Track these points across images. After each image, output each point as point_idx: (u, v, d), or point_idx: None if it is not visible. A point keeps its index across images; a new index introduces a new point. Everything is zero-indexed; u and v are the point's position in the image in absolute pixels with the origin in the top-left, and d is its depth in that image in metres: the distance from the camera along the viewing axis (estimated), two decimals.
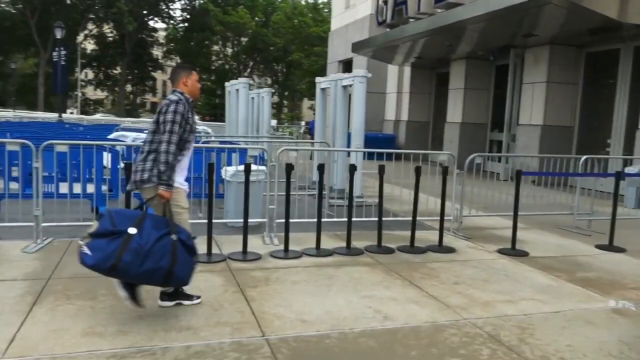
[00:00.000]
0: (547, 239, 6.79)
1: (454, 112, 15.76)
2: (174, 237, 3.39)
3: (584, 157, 7.44)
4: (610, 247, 6.33)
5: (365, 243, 5.91)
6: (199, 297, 3.88)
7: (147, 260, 3.25)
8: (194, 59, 48.48)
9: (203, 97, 53.35)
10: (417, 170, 6.07)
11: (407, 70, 18.67)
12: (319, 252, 5.48)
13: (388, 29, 15.64)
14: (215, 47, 54.60)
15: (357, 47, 16.96)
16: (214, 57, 54.49)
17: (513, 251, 5.92)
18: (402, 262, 5.35)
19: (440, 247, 5.93)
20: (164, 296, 3.75)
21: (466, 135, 15.17)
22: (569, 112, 12.58)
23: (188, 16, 52.67)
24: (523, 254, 5.85)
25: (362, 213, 6.89)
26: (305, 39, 45.64)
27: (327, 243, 5.82)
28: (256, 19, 51.53)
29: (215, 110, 51.04)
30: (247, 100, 12.92)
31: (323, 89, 10.04)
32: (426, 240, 6.17)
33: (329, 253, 5.50)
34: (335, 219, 6.86)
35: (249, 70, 54.27)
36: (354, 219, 5.88)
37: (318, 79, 10.25)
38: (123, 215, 3.43)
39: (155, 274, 3.31)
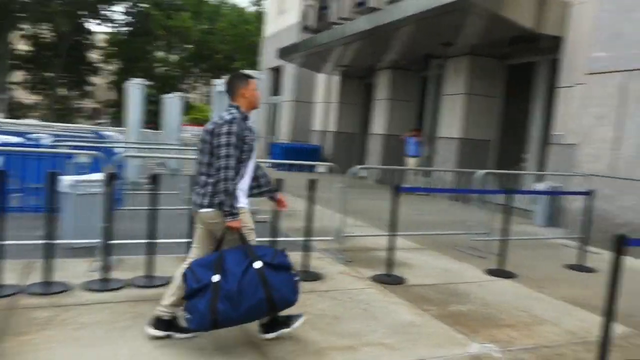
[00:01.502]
0: (437, 262, 6.10)
1: (379, 123, 15.19)
2: (257, 264, 3.17)
3: (482, 172, 6.83)
4: (499, 272, 5.68)
5: None
6: (299, 317, 3.50)
7: (242, 300, 3.07)
8: (135, 64, 46.74)
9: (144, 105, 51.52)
10: (311, 184, 5.26)
11: (336, 79, 18.04)
12: (149, 281, 4.53)
13: (312, 35, 14.96)
14: (160, 53, 52.94)
15: (283, 53, 16.21)
16: (157, 63, 52.77)
17: (388, 278, 5.16)
18: None
19: (306, 274, 5.09)
20: (265, 328, 3.43)
21: (389, 147, 14.60)
22: (487, 125, 12.16)
23: (130, 19, 50.79)
24: (399, 282, 5.10)
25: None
26: (249, 47, 44.87)
27: (174, 268, 4.90)
28: (203, 26, 50.41)
29: (156, 118, 49.37)
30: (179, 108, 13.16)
31: (220, 92, 9.13)
32: (303, 264, 5.33)
33: (165, 282, 4.56)
34: None
35: (194, 77, 52.85)
36: None
37: (215, 81, 9.35)
38: (202, 266, 3.19)
39: (257, 309, 3.14)
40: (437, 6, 9.09)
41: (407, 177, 12.82)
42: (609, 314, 2.99)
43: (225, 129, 3.22)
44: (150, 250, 4.61)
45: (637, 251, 6.88)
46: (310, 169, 10.99)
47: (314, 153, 17.36)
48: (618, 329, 4.15)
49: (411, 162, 13.10)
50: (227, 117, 3.30)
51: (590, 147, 7.75)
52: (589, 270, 6.12)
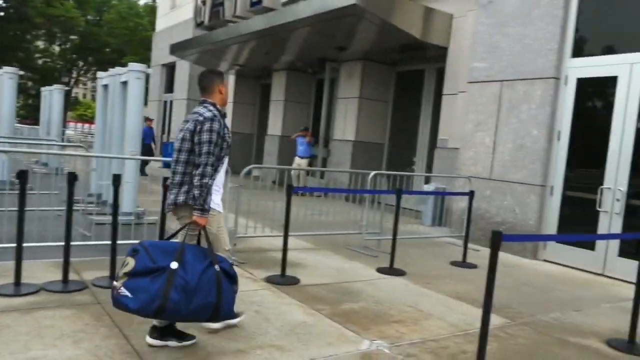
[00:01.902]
0: (331, 261, 6.15)
1: (275, 124, 15.16)
2: (216, 267, 3.10)
3: (373, 173, 7.02)
4: (390, 270, 5.86)
5: (104, 273, 4.64)
6: (193, 338, 3.38)
7: (195, 296, 2.96)
8: (10, 53, 42.62)
9: (22, 98, 47.23)
10: None
11: (232, 79, 17.73)
12: (17, 289, 4.08)
13: (206, 32, 14.55)
14: (40, 43, 48.78)
15: (176, 49, 15.58)
16: (38, 54, 48.55)
17: (282, 279, 5.10)
18: None
19: None
20: (153, 333, 3.28)
21: (285, 148, 14.60)
22: (380, 129, 12.60)
23: (2, 4, 46.22)
24: (292, 282, 5.05)
25: (135, 234, 5.65)
26: (141, 42, 42.79)
27: (49, 274, 4.46)
28: (89, 17, 47.22)
29: (36, 113, 45.38)
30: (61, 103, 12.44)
31: (105, 86, 8.55)
32: None
33: (34, 290, 4.13)
34: (93, 242, 5.51)
35: (79, 71, 49.38)
36: (120, 242, 4.66)
37: (100, 74, 8.75)
38: (160, 249, 3.06)
39: (203, 311, 3.02)
40: (328, 10, 9.23)
41: (300, 177, 12.90)
42: (487, 306, 3.15)
43: (207, 126, 3.22)
44: (19, 255, 4.15)
45: (513, 247, 7.47)
46: None
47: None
48: (496, 320, 4.43)
49: (302, 163, 13.03)
50: (207, 114, 3.27)
51: (471, 151, 8.28)
52: (471, 266, 6.50)
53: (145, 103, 23.66)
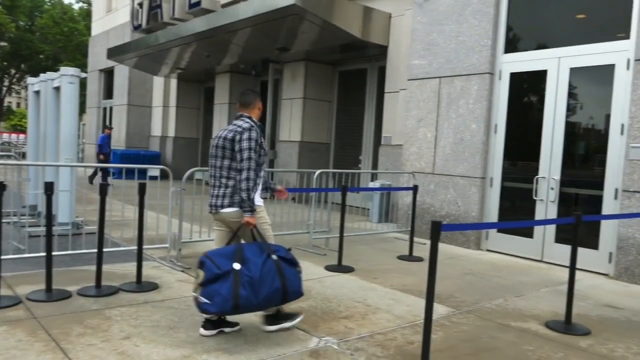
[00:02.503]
0: None
1: (220, 127, 14.95)
2: (274, 257, 3.49)
3: (318, 171, 7.03)
4: (339, 267, 5.89)
5: (40, 287, 4.42)
6: (299, 315, 3.88)
7: (262, 287, 3.33)
8: None
9: None
10: (141, 189, 4.84)
11: (174, 82, 17.37)
12: None
13: (145, 35, 14.18)
14: None
15: (113, 53, 15.10)
16: None
17: None
18: (71, 312, 4.00)
19: (140, 285, 4.74)
20: (269, 320, 3.76)
21: None
22: (325, 129, 12.66)
23: None
24: None
25: (73, 245, 5.40)
26: (77, 47, 41.23)
27: None
28: (20, 22, 45.02)
29: None
30: None
31: (37, 92, 8.17)
32: (133, 275, 4.94)
33: None
34: (27, 255, 5.23)
35: (11, 79, 47.04)
36: (57, 253, 4.45)
37: (31, 80, 8.35)
38: (222, 255, 3.42)
39: (273, 297, 3.40)
40: (268, 11, 9.20)
41: None
42: (430, 296, 3.21)
43: (246, 135, 3.59)
44: None
45: (457, 239, 7.67)
46: (148, 176, 10.40)
47: (153, 160, 16.51)
48: (442, 309, 4.53)
49: None
50: (245, 125, 3.65)
51: (414, 146, 8.45)
52: (418, 259, 6.63)
53: (83, 110, 22.83)
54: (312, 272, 5.73)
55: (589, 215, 5.15)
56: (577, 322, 4.31)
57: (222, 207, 3.66)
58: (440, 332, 3.98)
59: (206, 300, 3.29)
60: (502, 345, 3.78)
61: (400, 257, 6.74)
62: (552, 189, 6.83)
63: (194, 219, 6.27)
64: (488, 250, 7.48)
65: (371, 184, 9.74)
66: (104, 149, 14.08)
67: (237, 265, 3.33)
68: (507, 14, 7.45)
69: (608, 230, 6.30)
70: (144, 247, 5.02)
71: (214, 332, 3.64)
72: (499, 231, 7.41)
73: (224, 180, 3.68)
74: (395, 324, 4.10)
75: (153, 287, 4.73)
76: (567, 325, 4.21)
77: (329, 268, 5.88)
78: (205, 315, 3.59)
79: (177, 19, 13.23)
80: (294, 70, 12.60)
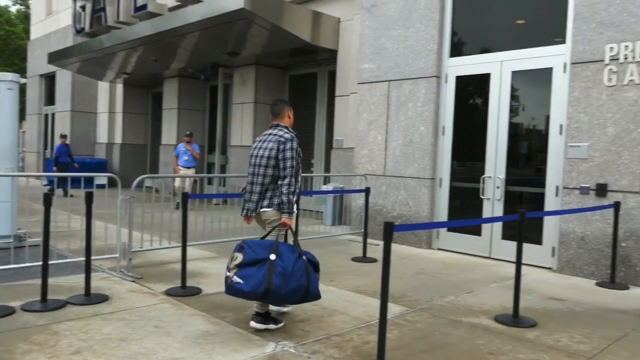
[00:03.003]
0: None
1: (169, 133, 14.68)
2: (304, 257, 3.77)
3: None
4: None
5: None
6: (282, 322, 4.05)
7: (291, 281, 3.60)
8: None
9: None
10: (88, 198, 4.67)
11: (120, 88, 16.91)
12: None
13: (88, 39, 13.75)
14: None
15: (53, 58, 14.56)
16: None
17: (183, 290, 4.93)
18: (15, 328, 3.82)
19: (89, 297, 4.58)
20: (258, 318, 3.95)
21: None
22: None
23: None
24: (194, 293, 4.91)
25: (15, 258, 5.16)
26: (15, 52, 39.43)
27: None
28: None
29: None
30: None
31: None
32: (81, 288, 4.78)
33: None
34: None
35: None
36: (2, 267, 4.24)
37: None
38: (259, 245, 3.70)
39: (297, 293, 3.64)
40: (217, 15, 9.12)
41: (188, 189, 12.60)
42: (384, 296, 3.26)
43: (289, 145, 3.96)
44: None
45: (409, 239, 7.82)
46: (95, 184, 10.03)
47: (99, 167, 15.99)
48: (396, 309, 4.61)
49: (187, 174, 11.26)
50: (287, 135, 4.01)
51: (365, 149, 8.57)
52: (372, 260, 6.71)
53: (23, 117, 21.86)
54: None
55: (532, 212, 5.38)
56: (524, 315, 4.49)
57: (262, 207, 4.03)
58: (395, 330, 4.05)
59: (240, 281, 3.57)
60: (455, 340, 3.89)
61: (355, 259, 6.81)
62: (497, 187, 7.08)
63: (145, 228, 6.12)
64: (439, 249, 7.67)
65: (324, 187, 9.80)
66: (60, 159, 13.54)
67: (273, 256, 3.64)
68: (452, 19, 7.68)
69: (550, 226, 6.58)
70: (93, 257, 4.86)
71: (263, 326, 3.93)
72: (449, 230, 7.61)
73: (259, 188, 4.05)
74: (351, 325, 4.15)
75: (103, 298, 4.59)
76: (515, 318, 4.37)
77: None
78: (255, 309, 3.96)
79: (122, 23, 12.90)
80: (244, 75, 12.53)
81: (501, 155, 7.08)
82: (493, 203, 7.13)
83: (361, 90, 8.67)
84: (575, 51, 6.26)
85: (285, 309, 4.37)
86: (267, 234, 3.99)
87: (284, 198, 3.90)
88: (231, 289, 3.63)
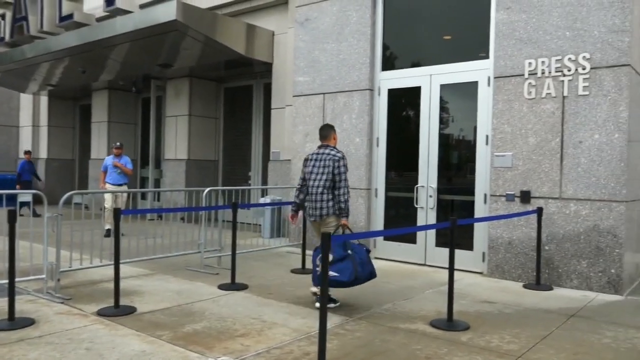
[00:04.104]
0: (170, 285, 5.90)
1: (98, 147, 14.14)
2: (364, 249, 4.97)
3: (207, 189, 6.92)
4: (233, 285, 5.82)
5: None
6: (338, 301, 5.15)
7: (364, 267, 4.79)
8: None
9: None
10: (11, 216, 4.39)
11: (45, 100, 16.13)
12: None
13: (8, 49, 13.04)
14: None
15: None
16: None
17: (116, 309, 4.75)
18: None
19: (13, 322, 4.32)
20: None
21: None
22: (212, 146, 12.49)
23: None
24: (129, 312, 4.73)
25: None
26: None
27: None
28: None
29: None
30: None
31: None
32: (5, 312, 4.49)
33: None
34: None
35: None
36: None
37: None
38: (338, 246, 4.73)
39: (367, 276, 4.83)
40: (148, 26, 8.94)
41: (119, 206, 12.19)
42: (324, 306, 3.29)
43: (342, 162, 5.02)
44: None
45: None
46: (18, 202, 9.49)
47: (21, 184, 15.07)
48: (335, 319, 4.66)
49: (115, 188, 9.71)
50: (339, 154, 5.06)
51: (302, 161, 8.61)
52: (310, 271, 6.73)
53: None
54: (205, 292, 5.60)
55: (463, 219, 5.61)
56: (458, 318, 4.66)
57: (328, 215, 5.02)
58: (335, 340, 4.08)
59: (336, 274, 4.60)
60: (394, 347, 3.97)
61: (294, 271, 6.82)
62: (430, 196, 7.33)
63: (74, 246, 5.85)
64: (377, 258, 7.81)
65: (262, 200, 9.76)
66: (23, 177, 12.65)
67: (350, 252, 4.75)
68: (383, 34, 7.92)
69: (480, 232, 6.88)
70: (17, 279, 4.59)
71: (332, 305, 4.95)
72: (385, 239, 7.78)
73: (319, 197, 5.04)
74: (291, 337, 4.14)
75: (28, 322, 4.34)
76: (449, 322, 4.52)
77: (222, 287, 5.78)
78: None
79: (47, 33, 12.36)
80: (177, 87, 12.31)
81: (433, 165, 7.34)
82: (426, 212, 7.37)
83: (297, 103, 8.74)
84: (497, 66, 6.62)
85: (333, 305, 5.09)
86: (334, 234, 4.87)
87: (342, 205, 4.96)
88: (330, 282, 4.50)
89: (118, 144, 10.04)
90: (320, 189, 5.01)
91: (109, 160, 9.87)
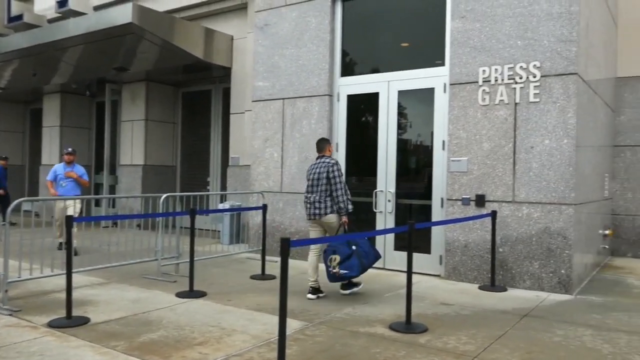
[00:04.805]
0: (126, 294, 5.75)
1: (50, 153, 13.67)
2: (366, 239, 5.69)
3: (164, 195, 6.79)
4: (191, 293, 5.72)
5: None
6: (361, 284, 5.97)
7: (369, 256, 5.49)
8: None
9: None
10: None
11: None
12: None
13: None
14: None
15: None
16: None
17: (69, 320, 4.59)
18: None
19: None
20: (344, 286, 5.83)
21: None
22: (170, 151, 12.28)
23: None
24: (82, 322, 4.58)
25: None
26: None
27: None
28: None
29: None
30: None
31: None
32: None
33: None
34: None
35: None
36: None
37: None
38: (342, 245, 5.46)
39: (372, 261, 5.53)
40: (103, 28, 8.73)
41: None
42: (283, 311, 3.28)
43: (335, 167, 5.64)
44: None
45: (306, 254, 7.91)
46: None
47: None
48: (295, 324, 4.64)
49: (69, 204, 8.11)
50: (332, 161, 5.70)
51: (262, 166, 8.59)
52: (271, 277, 6.71)
53: None
54: (162, 300, 5.49)
55: (420, 223, 5.71)
56: (416, 321, 4.72)
57: (326, 214, 5.62)
58: (295, 346, 4.07)
59: (347, 271, 5.34)
60: (355, 351, 3.99)
61: (254, 277, 6.76)
62: (389, 201, 7.42)
63: (23, 255, 5.62)
64: None
65: (221, 206, 9.65)
66: (2, 183, 11.96)
67: (354, 247, 5.43)
68: (342, 41, 8.00)
69: (438, 236, 7.01)
70: None
71: (315, 296, 5.67)
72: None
73: (318, 197, 5.65)
74: (251, 344, 4.11)
75: None
76: (408, 325, 4.59)
77: (180, 295, 5.68)
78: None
79: None
80: (134, 91, 12.05)
81: (391, 170, 7.44)
82: (385, 216, 7.45)
83: (256, 108, 8.70)
84: (453, 73, 6.78)
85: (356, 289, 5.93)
86: (337, 232, 5.69)
87: (341, 204, 5.59)
88: (341, 278, 5.41)
89: (70, 149, 8.68)
90: (318, 193, 5.66)
91: (60, 168, 8.44)
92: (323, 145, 5.89)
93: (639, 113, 8.64)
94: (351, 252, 5.36)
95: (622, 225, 8.71)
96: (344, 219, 5.64)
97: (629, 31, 8.72)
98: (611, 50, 8.43)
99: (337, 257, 5.35)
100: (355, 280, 5.79)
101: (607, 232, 8.11)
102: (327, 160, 5.72)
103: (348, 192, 5.72)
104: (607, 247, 8.34)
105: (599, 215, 7.66)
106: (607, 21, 8.01)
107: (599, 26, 7.31)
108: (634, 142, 8.66)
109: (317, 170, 5.71)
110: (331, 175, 5.62)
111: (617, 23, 8.80)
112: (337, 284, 5.87)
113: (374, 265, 7.43)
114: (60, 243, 8.06)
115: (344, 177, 5.74)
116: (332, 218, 5.65)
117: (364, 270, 5.41)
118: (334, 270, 5.33)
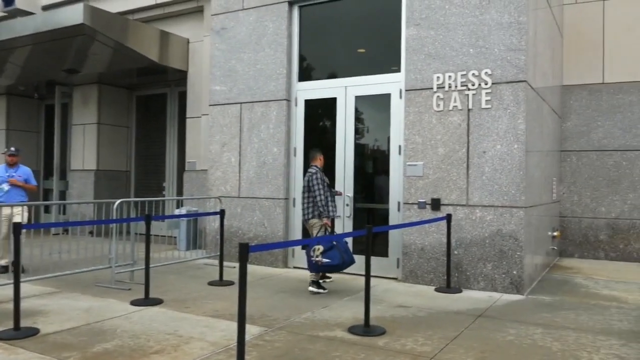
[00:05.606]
0: (77, 303, 5.56)
1: None
2: (344, 241, 6.25)
3: (118, 201, 6.61)
4: (146, 300, 5.59)
5: None
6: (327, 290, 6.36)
7: (347, 254, 6.06)
8: None
9: None
10: None
11: None
12: None
13: None
14: None
15: None
16: None
17: (16, 332, 4.40)
18: None
19: None
20: (314, 284, 6.22)
21: None
22: (124, 156, 11.98)
23: None
24: (31, 334, 4.41)
25: None
26: None
27: None
28: None
29: None
30: None
31: None
32: None
33: None
34: None
35: None
36: None
37: None
38: (325, 239, 6.07)
39: (349, 262, 6.07)
40: (52, 29, 8.45)
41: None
42: (242, 317, 3.26)
43: (314, 177, 6.28)
44: None
45: (266, 260, 7.86)
46: None
47: None
48: (254, 330, 4.61)
49: (16, 212, 7.36)
50: (312, 171, 6.35)
51: (219, 171, 8.50)
52: (229, 283, 6.64)
53: None
54: (117, 309, 5.34)
55: (378, 226, 5.78)
56: (375, 324, 4.78)
57: (309, 219, 6.32)
58: (254, 352, 4.04)
59: (329, 260, 5.90)
60: (313, 355, 4.00)
61: (211, 283, 6.68)
62: (347, 205, 7.49)
63: None
64: (295, 268, 7.84)
65: (177, 211, 9.49)
66: None
67: (334, 242, 5.97)
68: (299, 46, 8.03)
69: (395, 239, 7.12)
70: None
71: (316, 289, 6.16)
72: (303, 248, 7.82)
73: (306, 204, 6.32)
74: (209, 351, 4.05)
75: None
76: (366, 328, 4.63)
77: (135, 303, 5.54)
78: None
79: None
80: (85, 94, 11.71)
81: (349, 174, 7.51)
82: (344, 220, 7.51)
83: (213, 112, 8.61)
84: (408, 79, 6.92)
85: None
86: (317, 233, 6.28)
87: (321, 209, 6.19)
88: (322, 267, 5.95)
89: (13, 149, 7.64)
90: (305, 199, 6.35)
91: (1, 171, 7.45)
92: (314, 154, 6.58)
93: (583, 119, 9.04)
94: (332, 245, 6.00)
95: (569, 227, 9.09)
96: (325, 220, 6.22)
97: (574, 42, 9.13)
98: (557, 60, 8.80)
99: (321, 247, 5.94)
100: (329, 274, 6.53)
101: (555, 233, 8.44)
102: (310, 170, 6.40)
103: (329, 197, 6.37)
104: (555, 248, 8.68)
105: (547, 217, 7.96)
106: (554, 32, 8.36)
107: (546, 36, 7.62)
108: (579, 147, 9.06)
109: (305, 179, 6.42)
110: (310, 184, 6.29)
111: (562, 34, 9.19)
112: (305, 288, 5.87)
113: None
114: (5, 267, 7.03)
115: (324, 184, 6.33)
116: (313, 222, 6.32)
117: (344, 263, 5.96)
118: (317, 259, 5.88)
